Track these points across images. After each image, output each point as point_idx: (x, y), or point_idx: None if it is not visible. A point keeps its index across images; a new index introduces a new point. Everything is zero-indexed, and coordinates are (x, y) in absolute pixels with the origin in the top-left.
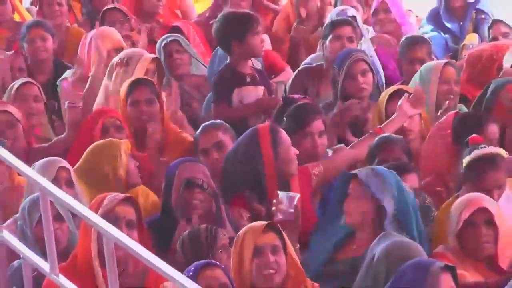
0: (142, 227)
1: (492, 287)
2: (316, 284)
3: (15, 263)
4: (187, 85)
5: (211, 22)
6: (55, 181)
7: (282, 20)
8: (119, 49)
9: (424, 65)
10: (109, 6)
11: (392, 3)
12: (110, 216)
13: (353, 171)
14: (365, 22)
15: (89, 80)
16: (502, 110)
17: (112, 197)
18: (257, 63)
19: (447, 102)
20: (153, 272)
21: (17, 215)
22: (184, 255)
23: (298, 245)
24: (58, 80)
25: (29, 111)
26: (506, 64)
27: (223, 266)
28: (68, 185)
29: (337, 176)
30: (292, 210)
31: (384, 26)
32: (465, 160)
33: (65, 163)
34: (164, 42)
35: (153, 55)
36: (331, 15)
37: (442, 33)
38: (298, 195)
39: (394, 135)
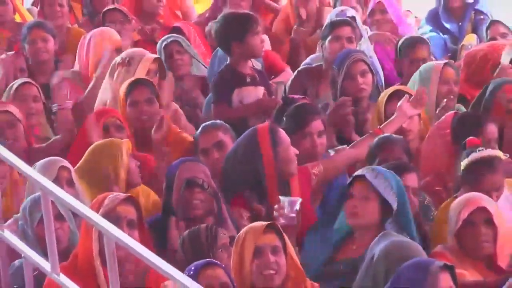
0: (143, 227)
1: (491, 286)
2: (316, 284)
3: (16, 262)
4: (187, 86)
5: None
6: (56, 180)
7: (281, 20)
8: (118, 49)
9: (423, 66)
10: (109, 7)
11: (388, 3)
12: (111, 216)
13: (360, 173)
14: (363, 23)
15: (92, 81)
16: (500, 111)
17: (113, 196)
18: (257, 64)
19: (445, 100)
20: (154, 272)
21: (18, 214)
22: (185, 254)
23: (297, 248)
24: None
25: (28, 111)
26: (504, 61)
27: (223, 265)
28: (69, 184)
29: (337, 176)
30: (294, 215)
31: (380, 27)
32: (463, 163)
33: (66, 163)
34: (164, 43)
35: (155, 55)
36: (330, 15)
37: (441, 34)
38: (300, 200)
39: (395, 135)
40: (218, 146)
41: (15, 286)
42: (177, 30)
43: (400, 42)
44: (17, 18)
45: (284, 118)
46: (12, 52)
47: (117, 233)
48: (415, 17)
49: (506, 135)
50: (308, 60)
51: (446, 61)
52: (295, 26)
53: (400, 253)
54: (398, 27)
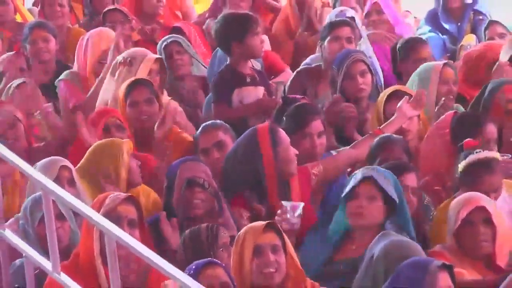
0: (144, 226)
1: (490, 285)
2: (316, 284)
3: (17, 261)
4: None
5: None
6: (57, 180)
7: (281, 21)
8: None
9: (422, 66)
10: (110, 7)
11: (385, 4)
12: (112, 215)
13: (366, 174)
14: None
15: (96, 82)
16: (499, 111)
17: (114, 196)
18: (257, 64)
19: (443, 98)
20: (155, 271)
21: (19, 214)
22: (185, 253)
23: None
24: (56, 81)
25: (27, 111)
26: (502, 59)
27: (224, 264)
28: (70, 184)
29: (337, 176)
30: (296, 220)
31: (377, 27)
32: (461, 165)
33: (67, 163)
34: (164, 43)
35: (156, 55)
36: (330, 16)
37: (440, 34)
38: (302, 204)
39: (395, 135)
40: (218, 146)
41: (16, 285)
42: (178, 30)
43: (399, 44)
44: (18, 18)
45: (284, 118)
46: (13, 52)
47: (118, 232)
48: (415, 17)
49: (505, 136)
50: (308, 60)
51: (445, 61)
52: (299, 30)
53: (400, 253)
54: (395, 27)
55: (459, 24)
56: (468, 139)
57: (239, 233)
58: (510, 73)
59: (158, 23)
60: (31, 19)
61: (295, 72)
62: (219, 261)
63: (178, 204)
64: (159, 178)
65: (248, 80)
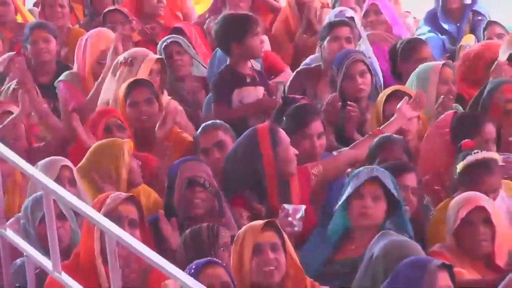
0: (144, 226)
1: (489, 285)
2: (316, 283)
3: (18, 261)
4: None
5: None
6: (58, 180)
7: (281, 21)
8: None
9: (421, 66)
10: (110, 8)
11: (382, 4)
12: (113, 215)
13: (373, 174)
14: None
15: (96, 83)
16: (498, 111)
17: (115, 196)
18: (256, 64)
19: (442, 96)
20: (155, 271)
21: (20, 213)
22: (186, 253)
23: None
24: (55, 81)
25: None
26: (501, 58)
27: (224, 264)
28: (71, 184)
29: (337, 177)
30: (298, 223)
31: (375, 28)
32: (459, 166)
33: (67, 162)
34: (164, 44)
35: (157, 56)
36: (329, 16)
37: (439, 34)
38: (304, 207)
39: (395, 135)
40: (219, 145)
41: (17, 285)
42: (178, 31)
43: (400, 44)
44: (19, 19)
45: (284, 118)
46: (14, 53)
47: (118, 232)
48: (414, 18)
49: (504, 135)
50: (307, 60)
51: (444, 61)
52: (299, 32)
53: (399, 252)
54: (393, 27)
55: (458, 24)
56: (466, 140)
57: (239, 232)
58: (509, 72)
59: (159, 23)
60: (31, 19)
61: (294, 72)
62: (219, 261)
63: (179, 203)
64: (159, 178)
65: (248, 80)
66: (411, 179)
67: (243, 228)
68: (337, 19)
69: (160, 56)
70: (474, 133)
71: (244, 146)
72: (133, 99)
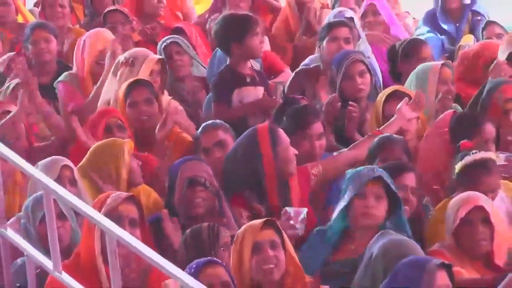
0: (145, 226)
1: (488, 284)
2: (315, 281)
3: (19, 260)
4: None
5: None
6: (59, 179)
7: (281, 21)
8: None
9: (420, 66)
10: (110, 8)
11: (380, 5)
12: (113, 215)
13: (376, 174)
14: None
15: (96, 86)
16: (497, 111)
17: (116, 196)
18: (256, 64)
19: (441, 93)
20: (156, 270)
21: (21, 213)
22: (187, 252)
23: None
24: (55, 82)
25: (25, 110)
26: (500, 58)
27: (224, 264)
28: (71, 183)
29: (337, 177)
30: (300, 226)
31: (373, 28)
32: (457, 166)
33: (68, 162)
34: (164, 44)
35: (158, 56)
36: (328, 17)
37: (438, 34)
38: (306, 209)
39: (395, 135)
40: (219, 145)
41: (17, 284)
42: (179, 31)
43: (400, 44)
44: (20, 19)
45: (284, 119)
46: (14, 53)
47: (118, 231)
48: (413, 18)
49: (503, 135)
50: (307, 61)
51: (443, 61)
52: (298, 34)
53: (399, 252)
54: (390, 27)
55: (457, 24)
56: (464, 140)
57: (238, 231)
58: (508, 72)
59: (159, 23)
60: (32, 20)
61: (294, 73)
62: (219, 260)
63: (180, 203)
64: (160, 178)
65: (248, 80)
66: (410, 179)
67: (242, 228)
68: (336, 19)
69: (161, 57)
70: (473, 133)
71: (244, 146)
72: (133, 99)
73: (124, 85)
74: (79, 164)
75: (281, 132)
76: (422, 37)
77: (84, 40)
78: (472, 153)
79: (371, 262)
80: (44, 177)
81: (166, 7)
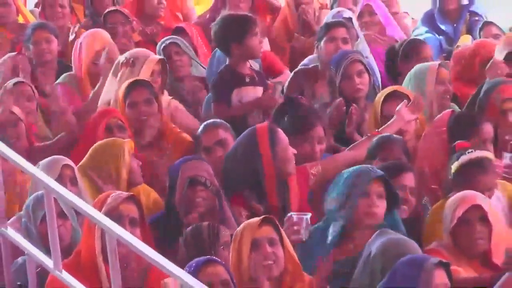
0: (145, 225)
1: (486, 282)
2: (314, 279)
3: (20, 259)
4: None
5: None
6: (60, 179)
7: (280, 21)
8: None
9: (417, 66)
10: (110, 9)
11: (376, 5)
12: (114, 214)
13: (379, 173)
14: None
15: (93, 91)
16: (494, 111)
17: (116, 195)
18: (255, 64)
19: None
20: (155, 269)
21: (21, 212)
22: (187, 252)
23: None
24: (54, 83)
25: (23, 110)
26: (497, 57)
27: (224, 263)
28: (72, 183)
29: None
30: (304, 231)
31: (369, 28)
32: (454, 166)
33: (69, 162)
34: (163, 45)
35: (159, 56)
36: (327, 17)
37: (436, 35)
38: (310, 215)
39: (394, 135)
40: (220, 144)
41: (18, 283)
42: (180, 31)
43: (400, 45)
44: (20, 19)
45: (286, 120)
46: (14, 53)
47: (118, 230)
48: (412, 18)
49: (500, 135)
50: (305, 61)
51: (440, 61)
52: (296, 34)
53: (397, 250)
54: (386, 28)
55: (455, 25)
56: (460, 141)
57: (237, 230)
58: (505, 71)
59: (159, 24)
60: (33, 20)
61: (292, 73)
62: (218, 259)
63: (180, 202)
64: (159, 178)
65: (247, 80)
66: (409, 179)
67: (241, 226)
68: (334, 20)
69: (161, 57)
70: (471, 132)
71: (243, 146)
72: (133, 100)
73: (124, 86)
74: (80, 164)
75: (280, 132)
76: (420, 38)
77: (81, 41)
78: (468, 152)
79: (370, 260)
80: (45, 176)
81: (166, 8)
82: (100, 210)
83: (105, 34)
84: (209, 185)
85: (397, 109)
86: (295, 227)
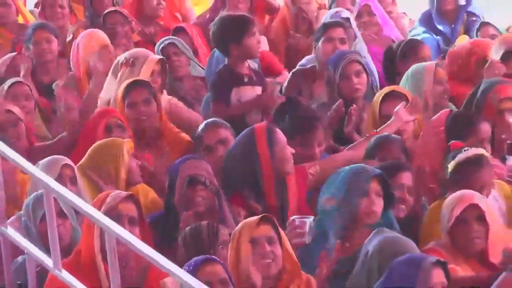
0: (144, 224)
1: (483, 281)
2: (312, 277)
3: (19, 258)
4: (186, 86)
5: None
6: (59, 178)
7: (279, 21)
8: (104, 47)
9: (414, 66)
10: (110, 9)
11: (374, 6)
12: (113, 213)
13: (377, 172)
14: None
15: (91, 83)
16: (491, 111)
17: (115, 194)
18: (254, 64)
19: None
20: (155, 269)
21: (21, 211)
22: (186, 251)
23: None
24: (53, 84)
25: (21, 109)
26: (493, 57)
27: (222, 262)
28: (72, 182)
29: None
30: (305, 234)
31: (367, 29)
32: (451, 165)
33: (68, 161)
34: (161, 45)
35: (159, 56)
36: (325, 17)
37: (434, 35)
38: (312, 218)
39: (393, 135)
40: (222, 143)
41: (18, 282)
42: (181, 30)
43: (398, 45)
44: (20, 20)
45: (287, 122)
46: (15, 53)
47: (117, 229)
48: (410, 19)
49: (497, 135)
50: (304, 61)
51: (436, 61)
52: (291, 32)
53: (394, 249)
54: (383, 28)
55: (452, 25)
56: (457, 140)
57: (235, 229)
58: (502, 71)
59: (158, 24)
60: (32, 20)
61: (290, 73)
62: (217, 258)
63: (180, 201)
64: (158, 178)
65: (246, 80)
66: (407, 178)
67: (239, 225)
68: (331, 20)
69: (161, 57)
70: (469, 132)
71: (241, 145)
72: (132, 100)
73: (123, 86)
74: (79, 163)
75: (278, 131)
76: (417, 38)
77: (79, 41)
78: (464, 151)
79: (367, 260)
80: (45, 176)
81: (165, 9)
82: (99, 209)
83: (102, 34)
84: (208, 184)
85: (395, 110)
86: (299, 230)
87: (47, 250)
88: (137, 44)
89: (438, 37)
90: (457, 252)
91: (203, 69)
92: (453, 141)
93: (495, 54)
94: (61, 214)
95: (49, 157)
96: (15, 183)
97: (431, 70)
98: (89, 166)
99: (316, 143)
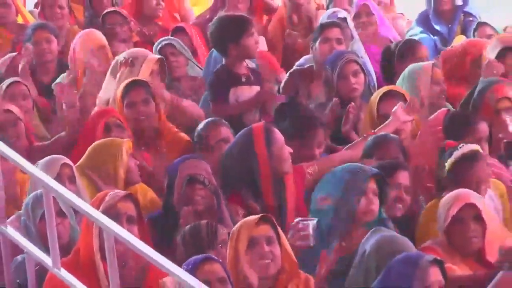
0: (142, 223)
1: (480, 280)
2: (310, 277)
3: (19, 257)
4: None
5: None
6: (59, 178)
7: (277, 21)
8: (101, 47)
9: (411, 66)
10: (109, 10)
11: (373, 6)
12: (112, 212)
13: (375, 171)
14: None
15: (84, 81)
16: (489, 111)
17: (114, 193)
18: (251, 63)
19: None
20: (154, 268)
21: (21, 211)
22: (185, 250)
23: None
24: (53, 84)
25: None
26: (489, 56)
27: (221, 261)
28: (71, 182)
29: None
30: (310, 237)
31: (366, 29)
32: (448, 163)
33: (67, 161)
34: (159, 46)
35: (158, 56)
36: (322, 17)
37: (431, 35)
38: (316, 220)
39: (391, 134)
40: (223, 142)
41: (17, 281)
42: (180, 30)
43: (396, 45)
44: (20, 20)
45: (286, 122)
46: (15, 53)
47: (116, 228)
48: (407, 19)
49: (494, 134)
50: (301, 60)
51: (432, 62)
52: (287, 30)
53: (391, 248)
54: (380, 28)
55: (449, 25)
56: (453, 140)
57: (234, 228)
58: (500, 70)
59: (157, 25)
60: (32, 20)
61: (288, 73)
62: (215, 257)
63: (179, 200)
64: (157, 177)
65: (243, 80)
66: (404, 178)
67: (238, 224)
68: (328, 20)
69: (160, 56)
70: (466, 131)
71: (239, 145)
72: (131, 100)
73: (122, 86)
74: (78, 163)
75: (276, 131)
76: (415, 38)
77: (76, 41)
78: (460, 147)
79: (364, 259)
80: (44, 175)
81: (164, 9)
82: (98, 208)
83: (99, 34)
84: (207, 183)
85: (393, 110)
86: (302, 233)
87: (46, 249)
88: (136, 45)
89: (435, 37)
90: (454, 251)
91: (201, 69)
92: (448, 140)
93: (491, 53)
94: (60, 213)
95: (48, 157)
96: (15, 183)
97: (428, 70)
98: (88, 166)
99: (316, 144)
